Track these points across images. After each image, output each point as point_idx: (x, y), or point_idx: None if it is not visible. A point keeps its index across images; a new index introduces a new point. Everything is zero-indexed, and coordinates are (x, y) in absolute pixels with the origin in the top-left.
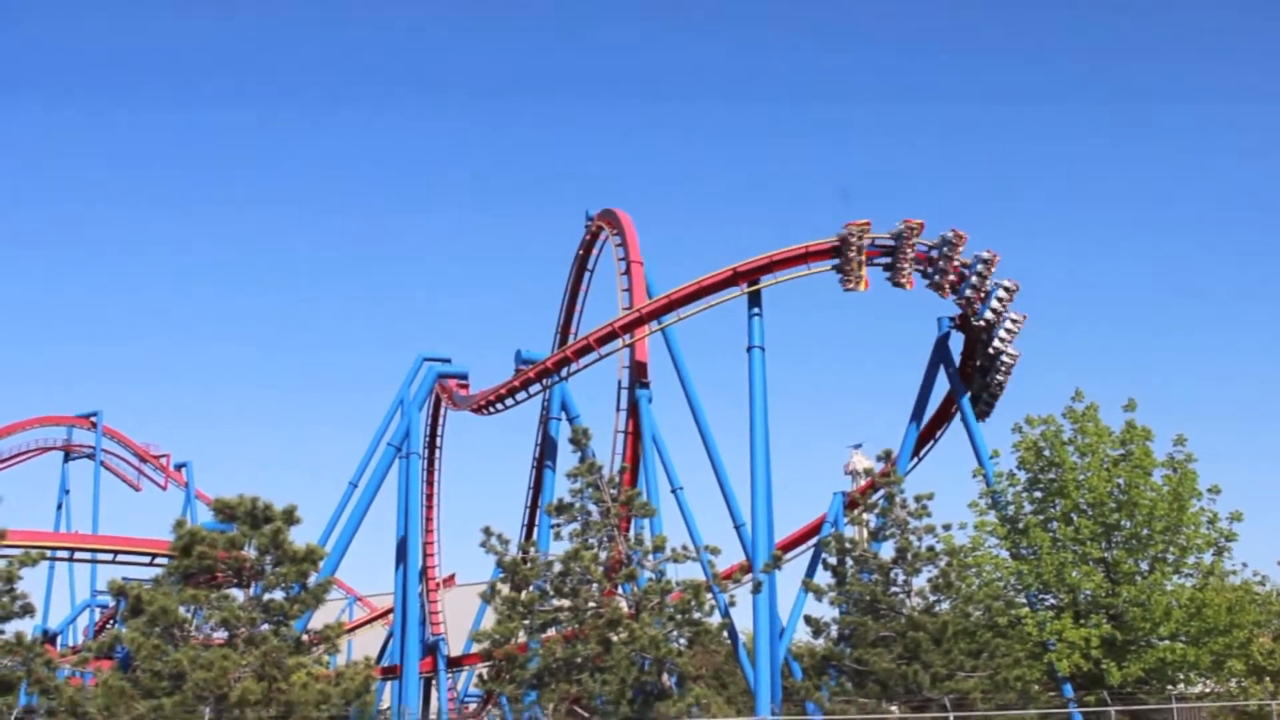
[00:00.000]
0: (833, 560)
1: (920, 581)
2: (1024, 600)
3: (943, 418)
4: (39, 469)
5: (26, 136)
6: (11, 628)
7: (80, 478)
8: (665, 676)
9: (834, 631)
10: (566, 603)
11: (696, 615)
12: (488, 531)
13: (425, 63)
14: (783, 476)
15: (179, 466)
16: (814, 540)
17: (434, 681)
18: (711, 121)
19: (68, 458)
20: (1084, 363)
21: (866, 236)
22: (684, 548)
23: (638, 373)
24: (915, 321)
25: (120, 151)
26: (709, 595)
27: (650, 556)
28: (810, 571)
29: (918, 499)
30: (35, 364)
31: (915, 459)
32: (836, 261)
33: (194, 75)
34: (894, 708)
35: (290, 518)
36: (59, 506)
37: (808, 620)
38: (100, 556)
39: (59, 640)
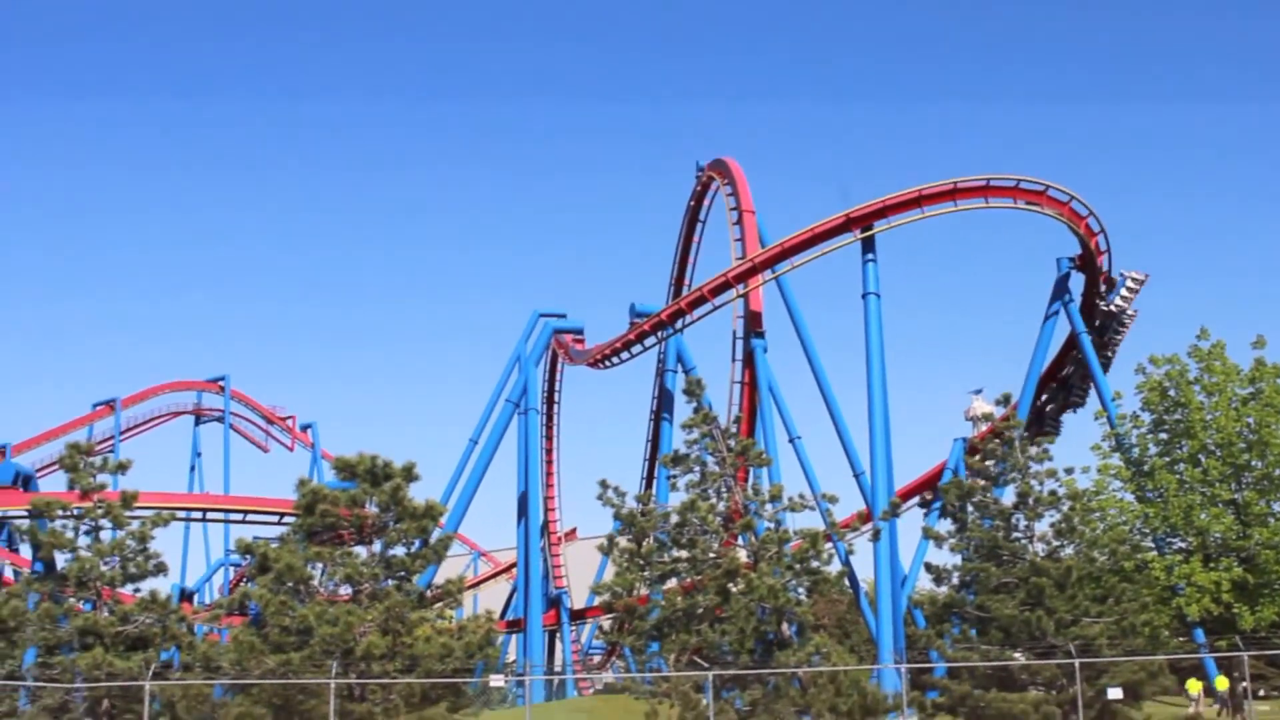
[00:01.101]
0: (954, 506)
1: (1043, 526)
2: (1150, 544)
3: (1064, 360)
4: (172, 433)
5: (154, 112)
6: (147, 586)
7: (211, 440)
8: (785, 626)
9: (955, 579)
10: (684, 554)
11: (815, 564)
12: (604, 484)
13: (536, 17)
14: (901, 424)
15: (304, 428)
16: (934, 487)
17: (558, 634)
18: (822, 69)
19: (198, 421)
20: (1209, 304)
21: None
22: (801, 496)
23: (752, 323)
24: (1034, 264)
25: (244, 117)
26: (827, 544)
27: (767, 506)
28: (931, 518)
29: (1038, 442)
30: (166, 330)
31: (1041, 398)
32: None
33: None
34: (1018, 655)
35: (409, 475)
36: (191, 469)
37: (928, 568)
38: (231, 517)
39: (196, 598)
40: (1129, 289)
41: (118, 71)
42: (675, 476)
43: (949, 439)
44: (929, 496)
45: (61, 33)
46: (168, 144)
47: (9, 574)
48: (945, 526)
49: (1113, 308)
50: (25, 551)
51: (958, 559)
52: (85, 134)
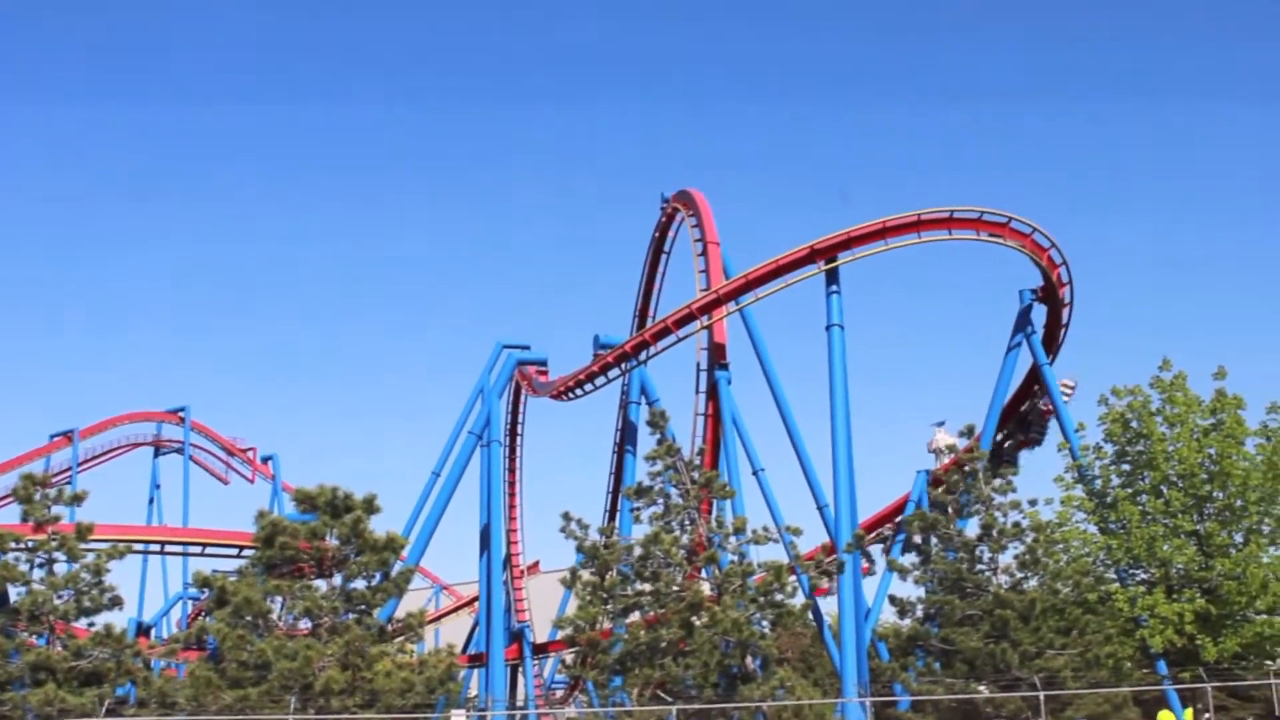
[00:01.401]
0: (917, 539)
1: (1007, 558)
2: (1114, 575)
3: (1026, 393)
4: (131, 464)
5: (108, 134)
6: (102, 620)
7: (170, 472)
8: (749, 659)
9: (920, 611)
10: (648, 587)
11: (779, 597)
12: (567, 517)
13: (497, 45)
14: (865, 456)
15: (265, 459)
16: (898, 519)
17: (520, 668)
18: (785, 100)
19: (158, 453)
20: (1170, 335)
21: None
22: (764, 529)
23: (716, 354)
24: (997, 296)
25: (208, 143)
26: (791, 577)
27: (731, 538)
28: (895, 550)
29: (1001, 474)
30: (124, 360)
31: (1000, 434)
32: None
33: (286, 60)
34: (982, 687)
35: (370, 507)
36: (150, 501)
37: (893, 600)
38: (190, 550)
39: (154, 632)
40: (1063, 393)
41: (88, 82)
42: (639, 509)
43: (912, 471)
44: (890, 530)
45: None
46: (128, 168)
47: None
48: (909, 559)
49: (1041, 406)
50: None
51: (921, 591)
52: (39, 151)
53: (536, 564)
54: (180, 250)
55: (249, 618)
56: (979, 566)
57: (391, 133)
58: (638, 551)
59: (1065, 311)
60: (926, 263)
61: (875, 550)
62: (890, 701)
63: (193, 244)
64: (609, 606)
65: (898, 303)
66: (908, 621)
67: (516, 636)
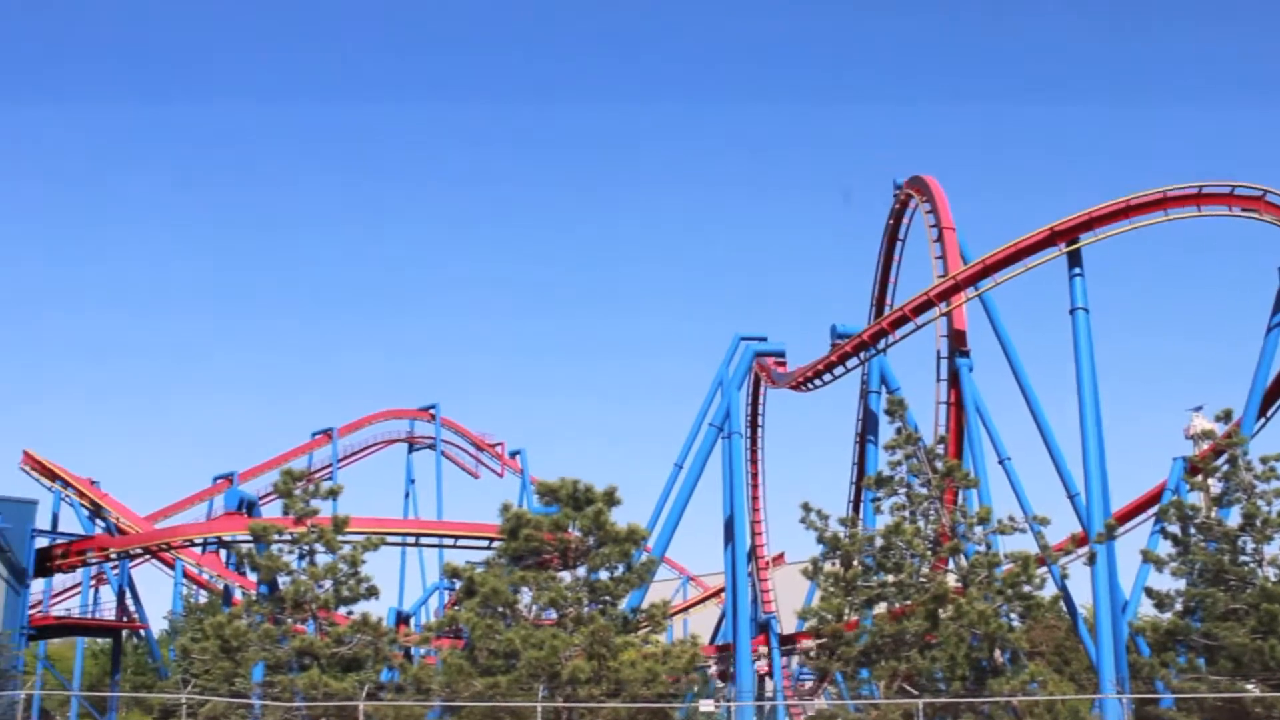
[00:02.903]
0: (1174, 529)
1: (1273, 549)
2: None
3: None
4: (388, 460)
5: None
6: (360, 609)
7: (424, 467)
8: (998, 652)
9: (1179, 605)
10: (891, 578)
11: (1027, 589)
12: (806, 507)
13: (737, 36)
14: (1116, 443)
15: (514, 454)
16: (1153, 509)
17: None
18: (1019, 80)
19: (411, 449)
20: None
21: None
22: (1011, 519)
23: (956, 341)
24: (1252, 273)
25: (460, 142)
26: (1040, 568)
27: (976, 529)
28: (1151, 541)
29: (1264, 460)
30: (380, 360)
31: (1262, 419)
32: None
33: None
34: (1251, 686)
35: (611, 499)
36: (406, 495)
37: (1149, 593)
38: (444, 541)
39: (412, 621)
40: None
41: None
42: (879, 499)
43: (1167, 458)
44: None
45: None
46: (397, 165)
47: (239, 596)
48: (1166, 549)
49: None
50: (251, 574)
51: (1181, 584)
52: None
53: (781, 555)
54: (429, 249)
55: (497, 607)
56: (1242, 558)
57: (623, 121)
58: (879, 542)
59: None
60: (1172, 242)
61: (1130, 541)
62: (1152, 699)
63: (440, 241)
64: (852, 598)
65: (1144, 284)
66: (1167, 615)
67: (763, 627)
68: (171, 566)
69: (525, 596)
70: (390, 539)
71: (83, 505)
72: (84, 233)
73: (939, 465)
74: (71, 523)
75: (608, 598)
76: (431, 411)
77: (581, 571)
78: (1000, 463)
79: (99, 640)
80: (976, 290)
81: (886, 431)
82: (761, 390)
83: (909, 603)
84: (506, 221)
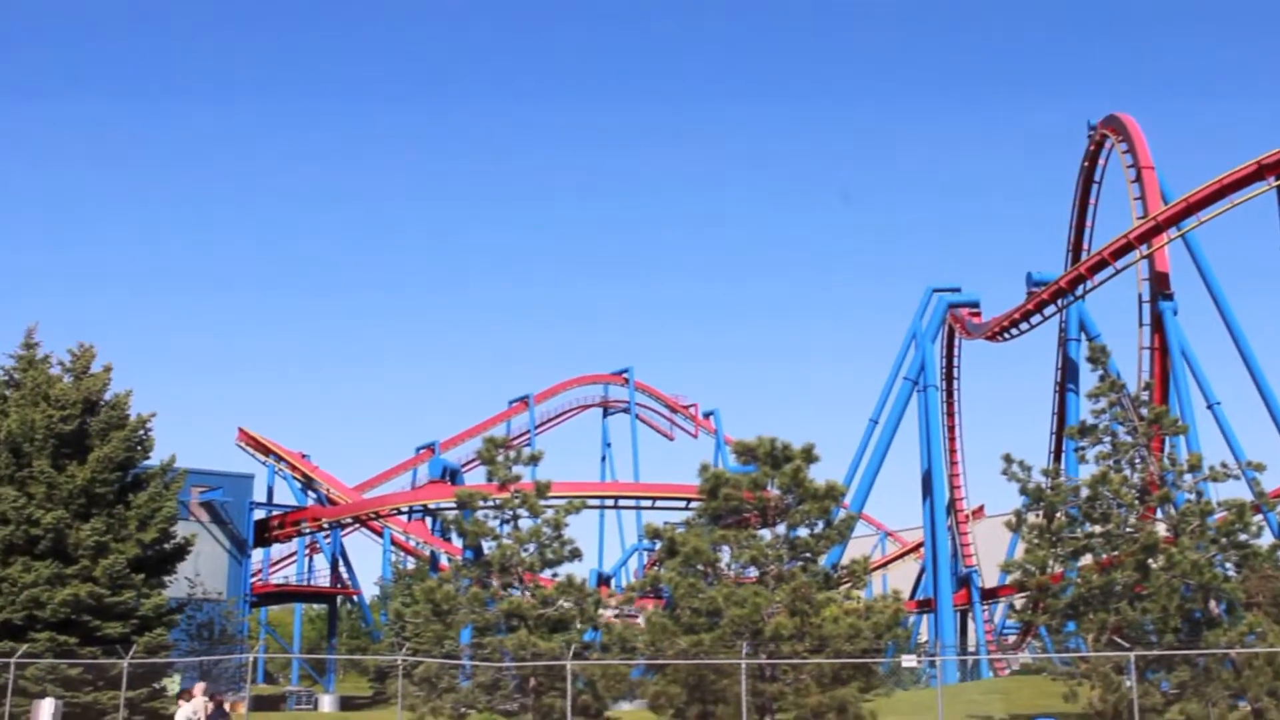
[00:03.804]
0: None
1: None
2: None
3: None
4: (583, 424)
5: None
6: (564, 571)
7: (619, 431)
8: (1212, 603)
9: None
10: (1098, 529)
11: (1243, 537)
12: (1008, 459)
13: None
14: None
15: (707, 415)
16: None
17: (970, 614)
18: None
19: (606, 413)
20: None
21: None
22: (1223, 465)
23: (1159, 284)
24: None
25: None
26: (1257, 515)
27: (1186, 476)
28: None
29: None
30: (573, 326)
31: None
32: None
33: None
34: None
35: (809, 456)
36: (602, 459)
37: None
38: (642, 503)
39: (613, 582)
40: None
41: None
42: (1083, 449)
43: None
44: None
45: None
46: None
47: (445, 561)
48: None
49: None
50: (456, 540)
51: None
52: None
53: (981, 508)
54: (626, 219)
55: (699, 566)
56: None
57: (799, 84)
58: (1085, 492)
59: None
60: None
61: None
62: None
63: (633, 211)
64: (1057, 550)
65: None
66: None
67: (964, 581)
68: (380, 534)
69: (725, 555)
70: (590, 502)
71: (295, 478)
72: (279, 215)
73: (1144, 412)
74: (285, 495)
75: (808, 555)
76: (625, 375)
77: (781, 529)
78: (1209, 408)
79: (315, 605)
80: (1179, 230)
81: (1088, 380)
82: (956, 342)
83: (1117, 554)
84: (696, 185)
